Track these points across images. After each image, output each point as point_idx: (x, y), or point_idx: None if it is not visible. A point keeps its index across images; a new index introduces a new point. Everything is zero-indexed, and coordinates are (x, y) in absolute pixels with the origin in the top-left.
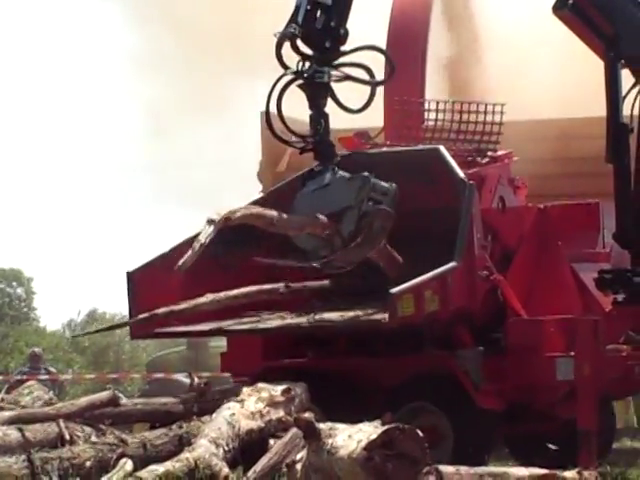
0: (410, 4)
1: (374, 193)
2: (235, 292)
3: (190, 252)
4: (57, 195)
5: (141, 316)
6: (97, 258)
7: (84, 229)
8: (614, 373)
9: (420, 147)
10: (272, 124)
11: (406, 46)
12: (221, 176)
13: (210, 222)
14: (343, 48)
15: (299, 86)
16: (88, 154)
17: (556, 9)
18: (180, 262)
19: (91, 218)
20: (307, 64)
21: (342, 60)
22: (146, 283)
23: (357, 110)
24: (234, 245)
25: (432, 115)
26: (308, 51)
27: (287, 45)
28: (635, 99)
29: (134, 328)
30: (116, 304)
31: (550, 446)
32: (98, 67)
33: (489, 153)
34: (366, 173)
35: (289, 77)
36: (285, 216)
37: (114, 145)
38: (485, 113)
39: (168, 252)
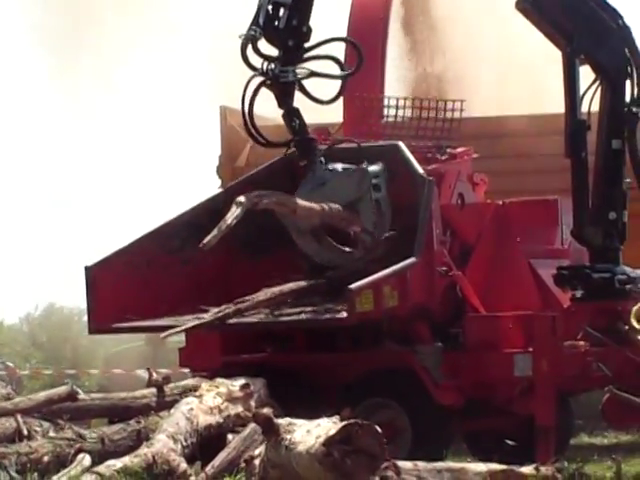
0: (368, 1)
1: (374, 179)
2: (285, 287)
3: (215, 231)
4: (11, 186)
5: (206, 318)
6: (54, 252)
7: (40, 222)
8: (572, 369)
9: (379, 143)
10: (251, 129)
11: (366, 42)
12: (180, 171)
13: (238, 204)
14: (309, 44)
15: (266, 86)
16: (43, 145)
17: (518, 3)
18: (205, 240)
19: (47, 210)
20: (273, 64)
21: (311, 54)
22: (105, 278)
23: (327, 101)
24: (191, 239)
25: (392, 111)
26: (274, 51)
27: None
28: (593, 95)
29: (92, 323)
30: (74, 298)
31: (508, 442)
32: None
33: (448, 150)
34: (362, 165)
35: (258, 80)
36: (308, 205)
37: (72, 137)
38: (444, 110)
39: (127, 247)
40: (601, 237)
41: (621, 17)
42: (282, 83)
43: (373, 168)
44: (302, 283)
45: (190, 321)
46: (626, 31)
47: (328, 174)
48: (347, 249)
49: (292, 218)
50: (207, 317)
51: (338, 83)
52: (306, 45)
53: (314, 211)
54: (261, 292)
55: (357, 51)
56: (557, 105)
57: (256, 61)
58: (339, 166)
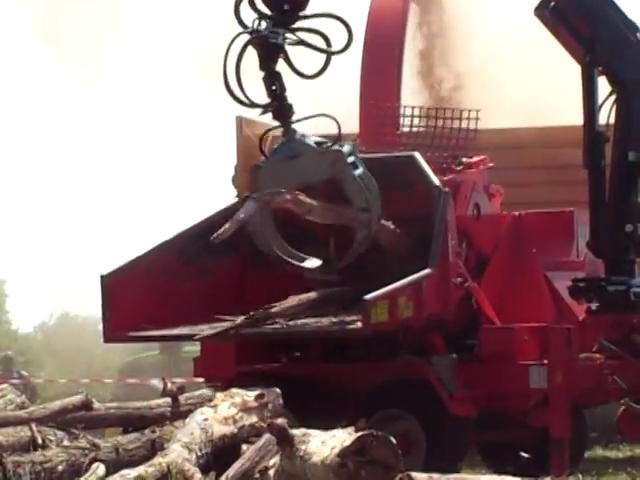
0: (387, 9)
1: (349, 158)
2: (312, 294)
3: (228, 224)
4: (28, 196)
5: (237, 321)
6: (69, 261)
7: (56, 231)
8: (587, 382)
9: (396, 154)
10: (231, 87)
11: (382, 51)
12: (196, 181)
13: (251, 199)
14: (304, 13)
15: (252, 44)
16: (59, 154)
17: (537, 10)
18: (218, 232)
19: (63, 220)
20: (264, 24)
21: (301, 24)
22: (120, 287)
23: (310, 76)
24: (207, 249)
25: (407, 121)
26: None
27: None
28: (611, 108)
29: (108, 331)
30: (88, 307)
31: (523, 454)
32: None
33: (464, 159)
34: (338, 147)
35: (246, 37)
36: (322, 205)
37: (88, 146)
38: (460, 119)
39: (142, 256)
40: (618, 249)
41: (638, 30)
42: (269, 44)
43: (346, 148)
44: (329, 291)
45: (206, 330)
46: None
47: (301, 147)
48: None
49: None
50: (238, 321)
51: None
52: (301, 13)
53: (330, 212)
54: (289, 299)
55: (348, 30)
56: (573, 117)
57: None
58: (312, 140)
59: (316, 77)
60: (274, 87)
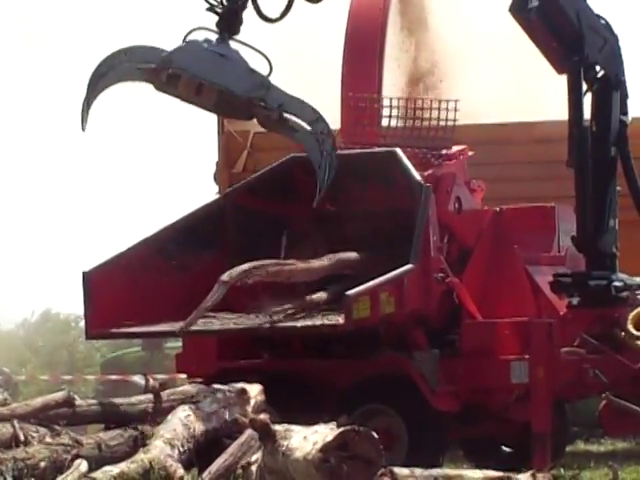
0: (367, 4)
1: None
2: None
3: (195, 313)
4: (8, 193)
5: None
6: (51, 257)
7: (37, 228)
8: (568, 376)
9: (376, 150)
10: None
11: (364, 45)
12: (178, 177)
13: (221, 283)
14: None
15: None
16: (37, 150)
17: (517, 11)
18: (184, 323)
19: (45, 217)
20: None
21: None
22: (102, 283)
23: (275, 19)
24: (189, 245)
25: (387, 112)
26: None
27: None
28: (592, 105)
29: (89, 328)
30: (70, 304)
31: (504, 448)
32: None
33: (443, 151)
34: (265, 74)
35: None
36: (302, 266)
37: (67, 143)
38: (439, 110)
39: (123, 252)
40: (607, 244)
41: (610, 25)
42: None
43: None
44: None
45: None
46: (617, 39)
47: (234, 54)
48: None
49: None
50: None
51: None
52: None
53: (313, 270)
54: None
55: None
56: (553, 112)
57: None
58: (248, 63)
59: (280, 20)
60: None
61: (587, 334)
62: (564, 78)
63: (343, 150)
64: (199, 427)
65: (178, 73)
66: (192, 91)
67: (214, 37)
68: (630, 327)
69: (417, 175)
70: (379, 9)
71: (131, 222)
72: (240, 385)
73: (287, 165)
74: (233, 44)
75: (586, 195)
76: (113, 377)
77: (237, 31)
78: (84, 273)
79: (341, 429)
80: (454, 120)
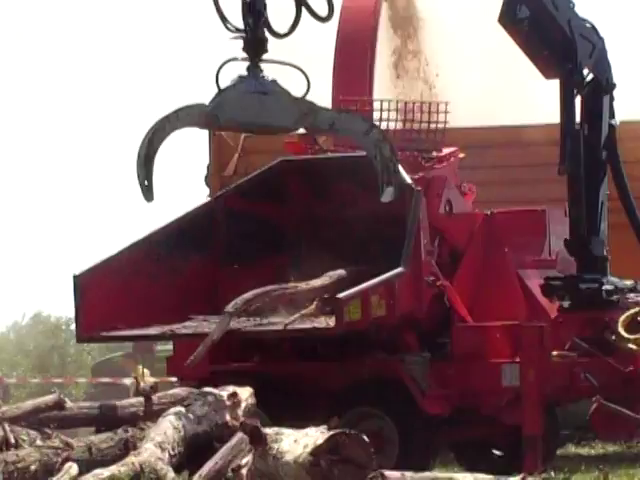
0: (358, 8)
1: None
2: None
3: (202, 345)
4: None
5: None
6: (41, 260)
7: (27, 231)
8: (559, 379)
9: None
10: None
11: (354, 50)
12: (168, 180)
13: (226, 314)
14: None
15: None
16: (28, 153)
17: (507, 21)
18: (191, 358)
19: (35, 220)
20: None
21: None
22: (92, 286)
23: (283, 35)
24: (180, 248)
25: (378, 115)
26: None
27: None
28: (582, 109)
29: (80, 331)
30: (61, 307)
31: (495, 451)
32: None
33: (434, 153)
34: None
35: None
36: (304, 288)
37: (59, 145)
38: (429, 112)
39: (114, 255)
40: (598, 247)
41: (596, 28)
42: None
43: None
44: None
45: (178, 329)
46: (603, 42)
47: (273, 86)
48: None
49: None
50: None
51: None
52: None
53: (315, 289)
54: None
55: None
56: (544, 115)
57: None
58: (287, 91)
59: (287, 36)
60: (251, 19)
61: (578, 337)
62: (552, 82)
63: (333, 153)
64: (190, 430)
65: (226, 126)
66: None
67: (245, 67)
68: (621, 330)
69: (408, 178)
70: (370, 12)
71: (122, 225)
72: (231, 388)
73: (277, 168)
74: (267, 67)
75: (579, 199)
76: (104, 380)
77: (265, 50)
78: (75, 276)
79: (332, 432)
80: (445, 122)
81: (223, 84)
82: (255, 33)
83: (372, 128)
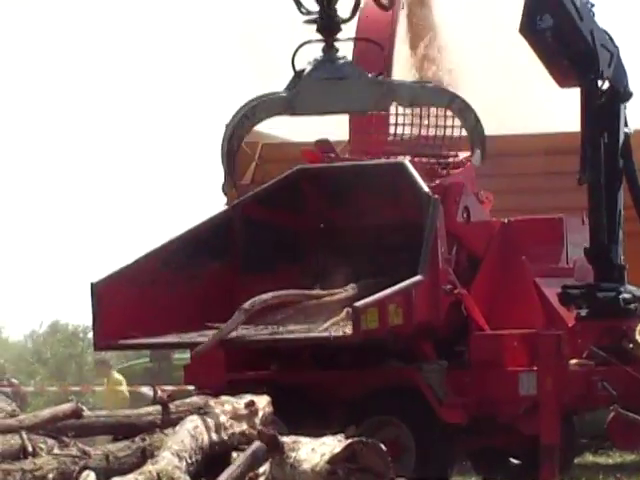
0: (375, 20)
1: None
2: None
3: (212, 337)
4: (18, 205)
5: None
6: (58, 269)
7: (46, 239)
8: (577, 388)
9: (384, 161)
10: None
11: (371, 58)
12: (186, 189)
13: (242, 310)
14: None
15: None
16: (47, 161)
17: (529, 31)
18: (197, 349)
19: (53, 228)
20: None
21: None
22: (110, 294)
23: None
24: (197, 256)
25: (395, 121)
26: None
27: None
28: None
29: (98, 339)
30: (79, 315)
31: (512, 460)
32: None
33: (450, 159)
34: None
35: None
36: (326, 300)
37: (76, 154)
38: (445, 117)
39: (132, 263)
40: (617, 256)
41: (612, 37)
42: None
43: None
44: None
45: (195, 338)
46: (618, 51)
47: (351, 70)
48: None
49: None
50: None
51: None
52: None
53: (337, 301)
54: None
55: None
56: (560, 124)
57: None
58: (364, 71)
59: (348, 21)
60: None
61: (596, 346)
62: (568, 91)
63: (350, 161)
64: (207, 439)
65: (303, 114)
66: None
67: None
68: (638, 339)
69: (425, 187)
70: (387, 21)
71: (139, 233)
72: (248, 397)
73: (294, 176)
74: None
75: (599, 207)
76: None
77: (339, 30)
78: (92, 284)
79: (349, 441)
80: (461, 127)
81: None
82: (329, 13)
83: (454, 98)
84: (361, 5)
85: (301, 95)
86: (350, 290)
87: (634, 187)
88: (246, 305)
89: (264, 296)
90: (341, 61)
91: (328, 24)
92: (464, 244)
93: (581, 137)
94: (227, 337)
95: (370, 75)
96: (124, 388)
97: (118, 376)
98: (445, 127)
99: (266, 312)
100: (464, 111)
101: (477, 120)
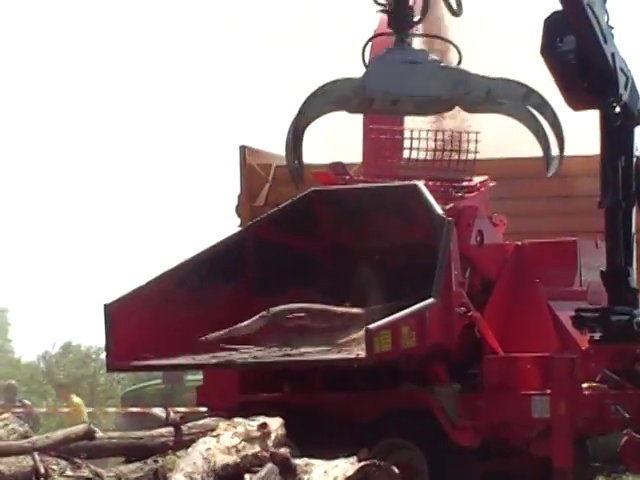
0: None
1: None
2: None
3: (228, 331)
4: (31, 225)
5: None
6: (72, 290)
7: (59, 260)
8: (590, 412)
9: (398, 183)
10: None
11: None
12: (199, 210)
13: (264, 317)
14: None
15: None
16: (59, 180)
17: (551, 52)
18: (207, 336)
19: (66, 249)
20: None
21: None
22: (123, 316)
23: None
24: (210, 278)
25: (411, 146)
26: None
27: None
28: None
29: (111, 360)
30: (91, 336)
31: None
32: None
33: (464, 183)
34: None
35: None
36: (348, 311)
37: (90, 174)
38: (460, 141)
39: (145, 284)
40: (633, 280)
41: (624, 60)
42: None
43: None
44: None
45: (208, 359)
46: (632, 74)
47: (425, 56)
48: None
49: None
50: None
51: None
52: None
53: (359, 317)
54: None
55: None
56: (574, 147)
57: None
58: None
59: (419, 22)
60: None
61: (609, 369)
62: (581, 114)
63: (364, 183)
64: (219, 461)
65: (374, 97)
66: (388, 105)
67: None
68: None
69: (439, 209)
70: None
71: (153, 255)
72: (261, 419)
73: (308, 198)
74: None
75: (617, 230)
76: (134, 410)
77: (411, 25)
78: (105, 305)
79: (362, 463)
80: (475, 152)
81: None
82: (400, 7)
83: (530, 92)
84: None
85: (373, 75)
86: (363, 312)
87: None
88: (268, 311)
89: (288, 306)
90: (415, 48)
91: (401, 19)
92: (477, 267)
93: (600, 160)
94: (240, 334)
95: (444, 64)
96: (84, 410)
97: (77, 399)
98: (460, 152)
99: (280, 332)
100: (542, 106)
101: (555, 116)
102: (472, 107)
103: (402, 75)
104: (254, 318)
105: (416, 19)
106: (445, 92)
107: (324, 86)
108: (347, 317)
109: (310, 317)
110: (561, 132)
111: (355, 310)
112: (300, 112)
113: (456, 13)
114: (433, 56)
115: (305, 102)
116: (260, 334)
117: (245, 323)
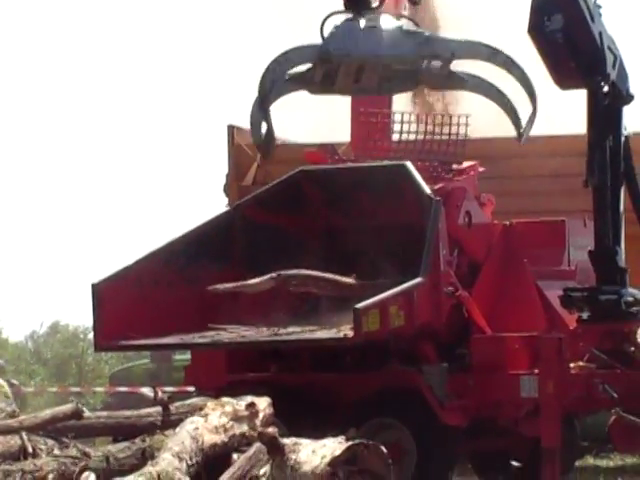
0: None
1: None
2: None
3: (234, 285)
4: (18, 204)
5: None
6: (59, 269)
7: (45, 239)
8: (578, 391)
9: (386, 163)
10: None
11: None
12: (187, 189)
13: (271, 279)
14: None
15: None
16: (45, 161)
17: (537, 32)
18: (216, 285)
19: (53, 229)
20: None
21: None
22: (111, 295)
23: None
24: (198, 257)
25: (398, 127)
26: None
27: None
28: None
29: (98, 340)
30: (79, 316)
31: (513, 463)
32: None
33: (454, 166)
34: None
35: None
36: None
37: (77, 151)
38: (450, 125)
39: (133, 264)
40: (621, 259)
41: (614, 41)
42: None
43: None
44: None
45: (196, 339)
46: (620, 54)
47: (385, 20)
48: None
49: None
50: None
51: None
52: None
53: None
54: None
55: None
56: (562, 126)
57: None
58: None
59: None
60: None
61: (597, 349)
62: (568, 93)
63: (353, 163)
64: (207, 440)
65: (340, 62)
66: (351, 79)
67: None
68: None
69: (427, 189)
70: None
71: (140, 234)
72: (249, 398)
73: (296, 178)
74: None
75: (605, 210)
76: (122, 389)
77: (369, 5)
78: (93, 285)
79: (350, 443)
80: (465, 135)
81: None
82: None
83: (497, 52)
84: None
85: (335, 39)
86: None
87: (634, 190)
88: (276, 273)
89: (294, 272)
90: (375, 17)
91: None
92: (465, 248)
93: (587, 139)
94: (248, 290)
95: (405, 28)
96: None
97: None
98: (450, 134)
99: (269, 312)
100: (509, 64)
101: (524, 73)
102: (437, 83)
103: (367, 39)
104: (264, 277)
105: (375, 4)
106: (410, 51)
107: (286, 51)
108: (356, 288)
109: (319, 285)
110: (532, 88)
111: (363, 282)
112: (264, 77)
113: (416, 2)
114: (397, 21)
115: (268, 66)
116: (267, 296)
117: (255, 280)
